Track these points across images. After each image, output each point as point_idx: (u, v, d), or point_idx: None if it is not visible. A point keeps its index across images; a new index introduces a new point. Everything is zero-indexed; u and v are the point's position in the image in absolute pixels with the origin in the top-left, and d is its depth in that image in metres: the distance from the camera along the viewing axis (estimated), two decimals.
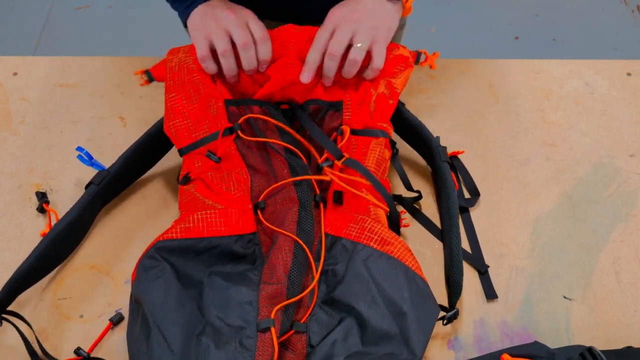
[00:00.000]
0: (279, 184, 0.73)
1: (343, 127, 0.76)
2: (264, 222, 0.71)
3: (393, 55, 0.78)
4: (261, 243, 0.70)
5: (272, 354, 0.59)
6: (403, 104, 0.80)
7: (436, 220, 0.79)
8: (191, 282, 0.65)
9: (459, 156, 0.84)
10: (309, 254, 0.68)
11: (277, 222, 0.71)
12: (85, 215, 0.73)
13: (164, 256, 0.65)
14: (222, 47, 0.74)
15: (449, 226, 0.74)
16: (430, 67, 0.80)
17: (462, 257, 0.71)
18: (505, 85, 0.93)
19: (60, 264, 0.73)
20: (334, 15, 0.76)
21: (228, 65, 0.76)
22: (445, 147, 0.78)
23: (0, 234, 0.76)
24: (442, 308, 0.68)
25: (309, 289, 0.65)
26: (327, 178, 0.73)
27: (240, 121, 0.75)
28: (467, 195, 0.81)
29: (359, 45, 0.74)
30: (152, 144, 0.78)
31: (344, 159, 0.73)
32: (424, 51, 0.80)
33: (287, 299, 0.64)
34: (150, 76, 0.79)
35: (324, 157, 0.74)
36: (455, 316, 0.68)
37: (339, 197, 0.72)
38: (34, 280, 0.70)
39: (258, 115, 0.76)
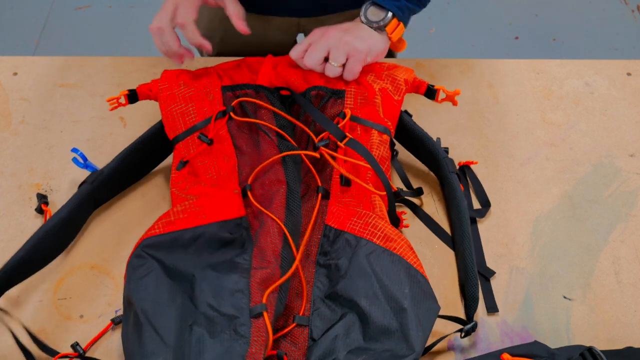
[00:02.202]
0: (266, 162, 0.73)
1: (345, 110, 0.76)
2: (255, 203, 0.70)
3: (389, 74, 0.79)
4: (251, 226, 0.70)
5: (267, 338, 0.59)
6: (410, 115, 0.80)
7: (436, 219, 0.79)
8: (181, 276, 0.65)
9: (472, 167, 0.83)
10: (292, 244, 0.68)
11: (265, 204, 0.71)
12: (76, 214, 0.72)
13: (151, 253, 0.65)
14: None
15: (460, 237, 0.73)
16: (453, 103, 0.78)
17: (476, 269, 0.70)
18: (505, 85, 0.93)
19: (48, 263, 0.72)
20: (313, 32, 0.79)
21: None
22: (452, 160, 0.77)
23: (0, 234, 0.76)
24: (460, 321, 0.67)
25: (293, 267, 0.65)
26: (316, 155, 0.73)
27: (233, 104, 0.76)
28: (476, 205, 0.80)
29: (333, 63, 0.77)
30: (150, 146, 0.78)
31: (346, 139, 0.73)
32: (441, 87, 0.78)
33: None
34: (133, 98, 0.78)
35: (320, 136, 0.75)
36: (473, 329, 0.66)
37: (346, 180, 0.72)
38: (18, 279, 0.68)
39: (250, 99, 0.77)
